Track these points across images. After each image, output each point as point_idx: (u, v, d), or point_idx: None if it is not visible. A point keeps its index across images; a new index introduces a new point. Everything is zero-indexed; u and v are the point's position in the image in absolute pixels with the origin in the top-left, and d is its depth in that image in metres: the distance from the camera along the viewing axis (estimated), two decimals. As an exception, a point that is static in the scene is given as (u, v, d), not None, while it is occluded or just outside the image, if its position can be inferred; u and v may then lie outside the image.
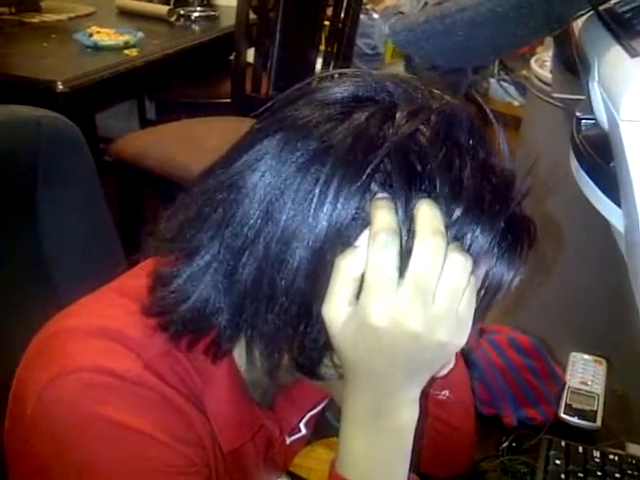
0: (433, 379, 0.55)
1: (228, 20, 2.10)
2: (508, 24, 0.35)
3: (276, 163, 0.48)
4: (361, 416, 0.51)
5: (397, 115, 0.48)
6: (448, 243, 0.46)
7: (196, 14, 2.25)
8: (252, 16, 1.95)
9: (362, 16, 2.18)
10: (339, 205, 0.46)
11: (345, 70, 0.53)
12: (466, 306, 0.47)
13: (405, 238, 0.46)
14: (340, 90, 0.50)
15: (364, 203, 0.47)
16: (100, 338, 0.53)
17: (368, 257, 0.46)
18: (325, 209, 0.47)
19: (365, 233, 0.46)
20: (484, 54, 0.42)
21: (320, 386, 0.66)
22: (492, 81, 2.71)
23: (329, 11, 2.08)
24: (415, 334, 0.46)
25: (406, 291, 0.45)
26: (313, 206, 0.47)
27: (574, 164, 0.44)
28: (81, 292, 0.59)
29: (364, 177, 0.46)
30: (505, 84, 2.69)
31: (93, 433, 0.50)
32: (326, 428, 0.82)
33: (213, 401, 0.56)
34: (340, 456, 0.53)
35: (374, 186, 0.47)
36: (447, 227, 0.46)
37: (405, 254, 0.45)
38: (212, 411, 0.56)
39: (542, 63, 1.69)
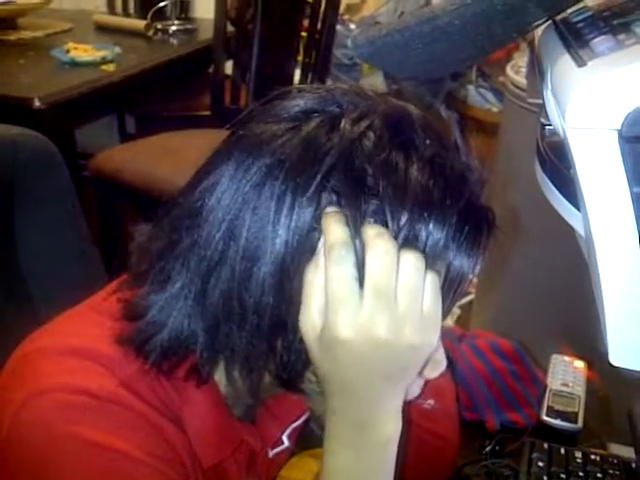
0: (424, 389, 0.55)
1: (206, 33, 2.10)
2: (467, 36, 0.36)
3: (232, 183, 0.49)
4: (343, 431, 0.51)
5: (342, 123, 0.49)
6: (401, 245, 0.46)
7: (174, 28, 2.25)
8: (230, 28, 1.96)
9: (339, 27, 2.20)
10: (294, 217, 0.47)
11: (302, 86, 0.54)
12: (431, 303, 0.47)
13: (360, 248, 0.46)
14: (290, 105, 0.51)
15: (320, 212, 0.47)
16: (74, 357, 0.53)
17: (326, 273, 0.46)
18: (282, 222, 0.47)
19: (322, 242, 0.47)
20: (446, 65, 0.43)
21: (301, 399, 0.67)
22: (470, 88, 2.73)
23: (306, 22, 2.09)
24: (383, 340, 0.46)
25: (368, 299, 0.46)
26: (270, 221, 0.48)
27: (538, 171, 0.45)
28: (60, 309, 0.59)
29: (314, 187, 0.47)
30: (483, 91, 2.71)
31: (69, 454, 0.50)
32: (311, 439, 0.82)
33: (191, 417, 0.56)
34: (324, 472, 0.52)
35: (326, 194, 0.48)
36: (399, 228, 0.47)
37: (362, 264, 0.46)
38: (191, 427, 0.56)
39: (518, 69, 1.71)
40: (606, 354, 0.44)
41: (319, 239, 0.47)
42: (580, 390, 0.93)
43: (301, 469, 0.84)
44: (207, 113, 2.01)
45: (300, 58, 2.11)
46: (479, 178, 0.51)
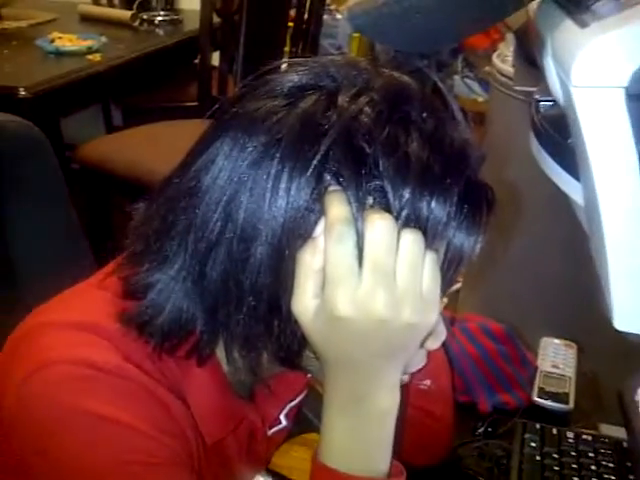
0: (419, 370, 0.55)
1: (192, 24, 2.10)
2: (466, 5, 0.36)
3: (228, 162, 0.48)
4: (342, 404, 0.51)
5: (339, 99, 0.48)
6: (402, 224, 0.46)
7: (159, 18, 2.24)
8: (216, 19, 1.96)
9: (326, 16, 2.20)
10: (291, 198, 0.47)
11: (292, 60, 0.53)
12: (430, 282, 0.47)
13: (361, 226, 0.46)
14: (284, 81, 0.50)
15: (317, 193, 0.47)
16: (78, 331, 0.52)
17: (326, 251, 0.46)
18: (279, 203, 0.47)
19: (321, 224, 0.46)
20: (444, 37, 0.43)
21: (300, 378, 0.67)
22: (456, 78, 2.74)
23: (293, 12, 2.09)
24: (381, 318, 0.46)
25: (367, 277, 0.45)
26: (267, 202, 0.47)
27: (534, 145, 0.45)
28: (48, 296, 0.58)
29: (313, 167, 0.46)
30: (469, 81, 2.73)
31: (74, 426, 0.50)
32: (304, 423, 0.83)
33: (194, 392, 0.56)
34: (322, 445, 0.52)
35: (326, 175, 0.47)
36: (401, 206, 0.46)
37: (362, 243, 0.45)
38: (194, 402, 0.56)
39: (504, 58, 1.72)
40: (604, 327, 0.44)
41: (316, 221, 0.47)
42: (570, 371, 0.94)
43: (294, 457, 0.84)
44: (194, 103, 1.99)
45: (287, 48, 2.11)
46: (478, 154, 0.51)
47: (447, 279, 0.50)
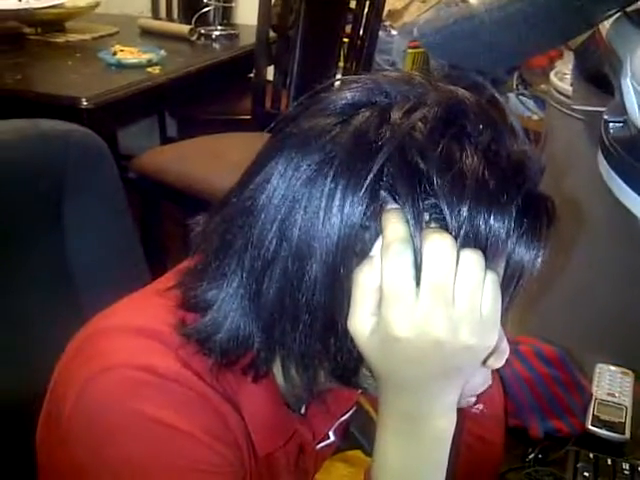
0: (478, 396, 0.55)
1: (248, 38, 2.13)
2: (537, 25, 0.36)
3: (283, 181, 0.49)
4: (396, 424, 0.50)
5: (392, 115, 0.47)
6: (461, 242, 0.45)
7: (217, 33, 2.28)
8: (272, 34, 1.98)
9: (380, 32, 2.20)
10: (345, 216, 0.46)
11: (345, 77, 0.53)
12: (490, 305, 0.45)
13: (418, 245, 0.45)
14: (338, 98, 0.50)
15: (372, 211, 0.46)
16: (139, 336, 0.53)
17: (383, 269, 0.45)
18: (333, 221, 0.47)
19: (378, 243, 0.46)
20: (510, 56, 0.42)
21: (352, 394, 0.66)
22: (511, 95, 2.70)
23: (348, 28, 2.10)
24: (439, 341, 0.45)
25: (425, 298, 0.44)
26: (321, 220, 0.47)
27: (603, 165, 0.44)
28: (104, 302, 0.60)
29: (366, 185, 0.46)
30: (524, 98, 2.69)
31: (131, 430, 0.50)
32: (349, 439, 0.82)
33: (249, 405, 0.56)
34: (375, 464, 0.52)
35: (381, 192, 0.46)
36: (459, 224, 0.45)
37: (420, 261, 0.45)
38: (248, 415, 0.56)
39: (562, 76, 1.69)
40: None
41: (372, 239, 0.47)
42: (627, 400, 0.91)
43: (334, 473, 0.84)
44: (247, 117, 2.02)
45: (341, 64, 2.12)
46: (537, 165, 0.49)
47: (507, 297, 0.48)
